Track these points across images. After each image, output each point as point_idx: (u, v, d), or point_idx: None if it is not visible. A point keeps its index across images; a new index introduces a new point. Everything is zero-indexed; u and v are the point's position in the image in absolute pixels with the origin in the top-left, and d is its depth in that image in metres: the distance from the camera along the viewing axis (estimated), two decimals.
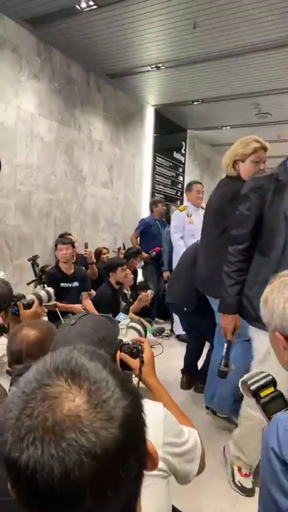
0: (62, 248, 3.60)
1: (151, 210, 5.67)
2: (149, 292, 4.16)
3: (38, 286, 3.41)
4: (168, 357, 3.41)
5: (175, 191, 7.69)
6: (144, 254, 5.19)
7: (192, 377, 3.15)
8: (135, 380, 1.11)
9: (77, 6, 3.72)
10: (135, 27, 4.12)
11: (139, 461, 0.45)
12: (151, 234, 5.40)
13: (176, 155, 7.69)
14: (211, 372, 2.59)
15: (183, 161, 7.96)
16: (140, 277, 5.45)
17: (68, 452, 0.39)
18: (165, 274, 4.91)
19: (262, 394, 1.04)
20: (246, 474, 1.92)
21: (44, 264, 4.28)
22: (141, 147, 6.65)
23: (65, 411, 0.41)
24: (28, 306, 1.86)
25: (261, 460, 0.92)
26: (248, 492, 1.88)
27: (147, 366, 1.13)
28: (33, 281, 3.72)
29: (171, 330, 4.73)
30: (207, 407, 2.67)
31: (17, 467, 0.39)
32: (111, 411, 0.42)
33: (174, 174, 7.61)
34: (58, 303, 3.11)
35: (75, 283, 3.67)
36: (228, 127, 7.45)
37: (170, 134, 7.40)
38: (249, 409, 1.81)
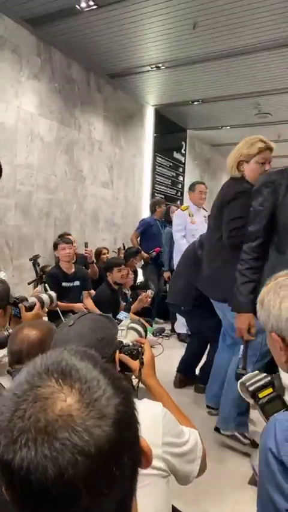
0: (65, 247, 3.63)
1: (153, 210, 5.63)
2: (149, 292, 4.16)
3: (39, 286, 3.42)
4: (168, 357, 3.41)
5: (175, 191, 7.70)
6: (144, 254, 5.19)
7: (187, 378, 3.14)
8: (135, 381, 1.12)
9: (77, 6, 3.72)
10: (135, 27, 4.12)
11: (133, 459, 0.45)
12: (151, 234, 5.39)
13: (176, 155, 7.69)
14: (214, 372, 2.58)
15: (183, 161, 7.96)
16: (140, 277, 5.45)
17: (61, 451, 0.39)
18: (166, 275, 4.92)
19: (261, 395, 1.05)
20: None
21: (44, 264, 4.28)
22: (141, 147, 6.65)
23: (57, 411, 0.41)
24: (30, 308, 1.87)
25: (259, 461, 0.92)
26: None
27: (147, 367, 1.13)
28: (34, 281, 3.73)
29: (172, 330, 4.73)
30: (208, 407, 2.67)
31: (11, 469, 0.39)
32: (103, 409, 0.42)
33: (174, 174, 7.61)
34: (59, 302, 3.11)
35: (76, 283, 3.69)
36: (228, 127, 7.45)
37: (170, 134, 7.40)
38: None
